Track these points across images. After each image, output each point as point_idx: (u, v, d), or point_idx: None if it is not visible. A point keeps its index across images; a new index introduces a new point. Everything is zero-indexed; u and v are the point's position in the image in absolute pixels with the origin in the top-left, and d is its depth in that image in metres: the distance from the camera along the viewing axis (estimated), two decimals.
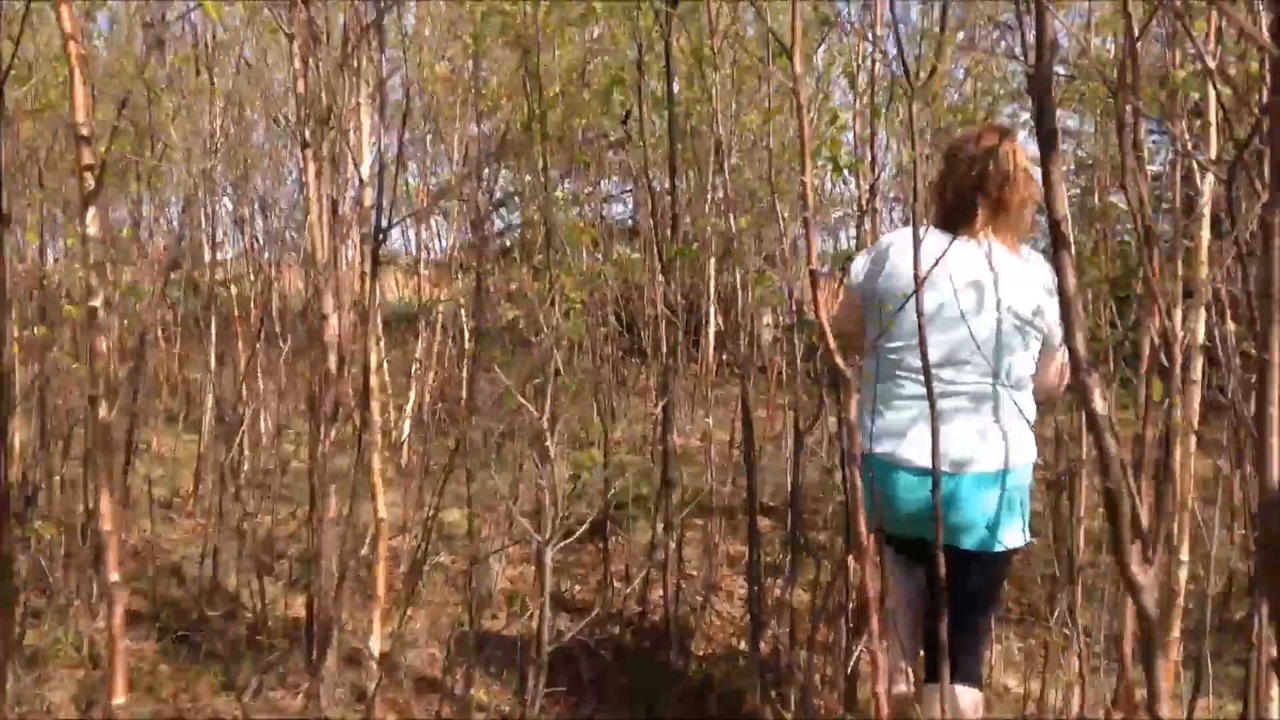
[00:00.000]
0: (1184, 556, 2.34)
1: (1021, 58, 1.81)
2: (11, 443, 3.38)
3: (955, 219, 2.51)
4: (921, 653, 2.62)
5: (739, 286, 3.39)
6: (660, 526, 3.50)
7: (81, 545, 3.73)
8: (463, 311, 5.96)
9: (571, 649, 3.19)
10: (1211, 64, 1.55)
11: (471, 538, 3.50)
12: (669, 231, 3.41)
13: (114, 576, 1.84)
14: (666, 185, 3.50)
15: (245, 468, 4.72)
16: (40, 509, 3.76)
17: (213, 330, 5.41)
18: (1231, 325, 2.26)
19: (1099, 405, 1.05)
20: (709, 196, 4.34)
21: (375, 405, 3.10)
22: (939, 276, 2.37)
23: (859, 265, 2.62)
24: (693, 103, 3.96)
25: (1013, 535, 2.46)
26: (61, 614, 3.58)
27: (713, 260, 5.01)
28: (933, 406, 2.14)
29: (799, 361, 3.43)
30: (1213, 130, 2.15)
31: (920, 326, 2.17)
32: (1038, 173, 2.58)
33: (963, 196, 2.51)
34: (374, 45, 3.33)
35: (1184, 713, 2.58)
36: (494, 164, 4.39)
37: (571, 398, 3.49)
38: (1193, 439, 2.26)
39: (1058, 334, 2.52)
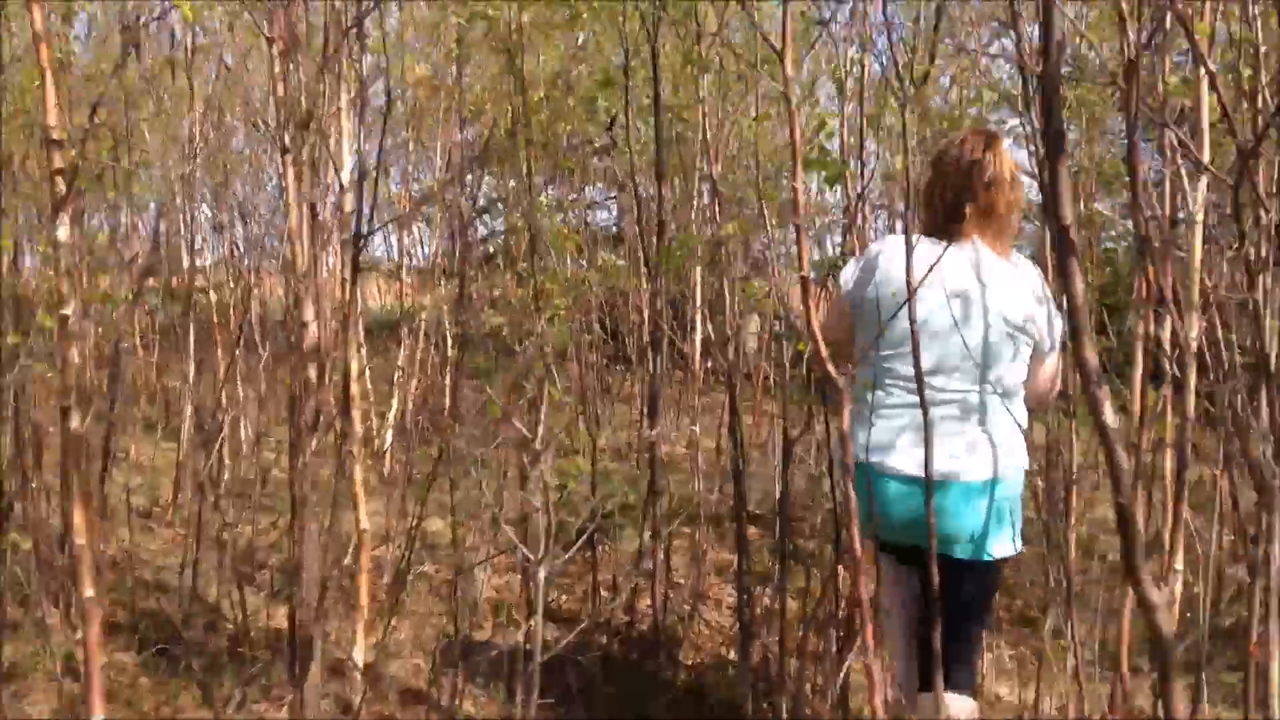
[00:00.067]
0: (1179, 566, 2.33)
1: (1020, 59, 1.80)
2: None
3: (943, 225, 2.50)
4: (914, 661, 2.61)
5: (726, 293, 3.36)
6: (648, 535, 3.47)
7: (60, 556, 3.66)
8: (445, 318, 5.92)
9: (559, 659, 3.15)
10: (1213, 68, 1.53)
11: (456, 547, 3.45)
12: (655, 238, 3.38)
13: (89, 592, 1.80)
14: (652, 191, 3.48)
15: (225, 477, 4.66)
16: (17, 519, 3.68)
17: (191, 337, 5.35)
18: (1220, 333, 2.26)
19: (1110, 418, 1.03)
20: (695, 203, 4.33)
21: (356, 414, 3.06)
22: (928, 284, 2.36)
23: (849, 273, 2.60)
24: (680, 108, 3.94)
25: (1003, 544, 2.45)
26: (40, 626, 3.51)
27: (699, 268, 4.99)
28: (925, 414, 2.13)
29: (788, 368, 3.41)
30: (1205, 136, 2.14)
31: (913, 334, 2.16)
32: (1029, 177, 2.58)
33: (950, 201, 2.50)
34: (355, 49, 3.29)
35: None
36: (477, 170, 4.35)
37: (557, 406, 3.45)
38: (1189, 446, 2.24)
39: (1048, 340, 2.51)
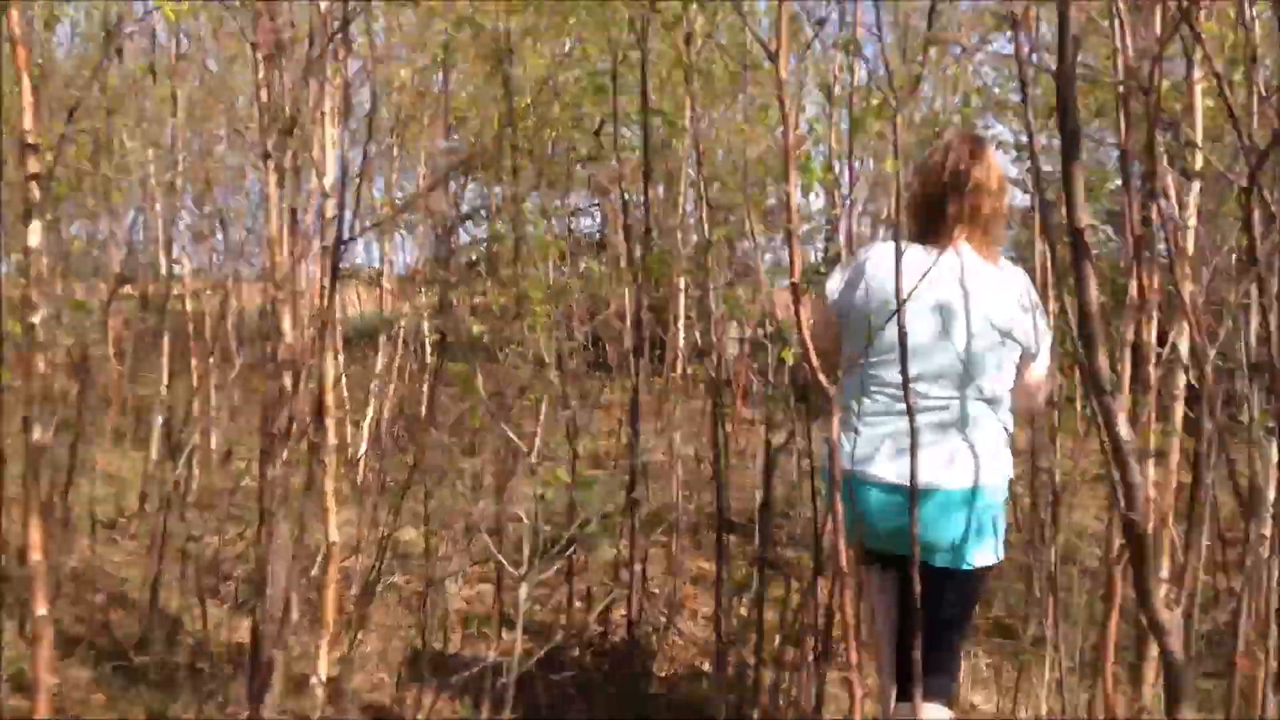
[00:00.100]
0: (1163, 574, 2.28)
1: (1020, 58, 1.76)
2: None
3: (930, 231, 2.48)
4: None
5: (711, 300, 3.32)
6: (625, 545, 3.41)
7: (18, 567, 3.57)
8: (425, 326, 5.85)
9: (529, 673, 3.08)
10: (1219, 69, 1.49)
11: (428, 557, 3.38)
12: (640, 244, 3.34)
13: (41, 610, 1.74)
14: (639, 197, 3.43)
15: (194, 487, 4.57)
16: None
17: (165, 345, 5.26)
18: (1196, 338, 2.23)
19: (1124, 431, 0.97)
20: (680, 209, 4.29)
21: (331, 423, 2.99)
22: (915, 291, 2.33)
23: (835, 281, 2.58)
24: (667, 114, 3.90)
25: (984, 554, 2.43)
26: None
27: (682, 277, 4.96)
28: (912, 422, 2.10)
29: (771, 376, 3.36)
30: (1198, 140, 2.11)
31: (902, 342, 2.13)
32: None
33: (936, 207, 2.48)
34: (340, 55, 3.25)
35: None
36: (462, 176, 4.30)
37: (538, 415, 3.40)
38: (1174, 455, 2.20)
39: (1036, 346, 2.48)
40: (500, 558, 2.47)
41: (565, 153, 4.72)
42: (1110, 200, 3.68)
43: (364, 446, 5.80)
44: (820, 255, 3.52)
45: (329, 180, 3.20)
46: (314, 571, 3.43)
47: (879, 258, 2.45)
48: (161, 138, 5.16)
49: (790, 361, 2.97)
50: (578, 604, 3.79)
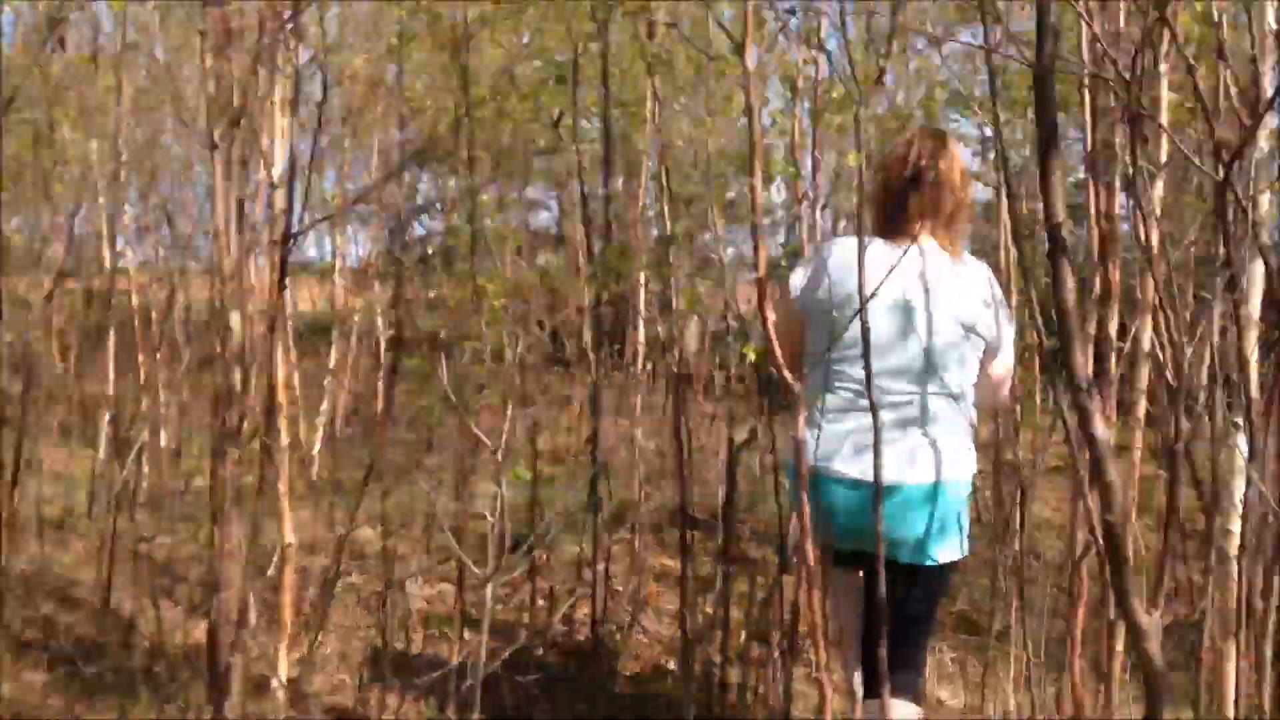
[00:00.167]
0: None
1: (988, 51, 1.75)
2: None
3: (892, 225, 2.48)
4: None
5: (672, 294, 3.29)
6: (588, 543, 3.38)
7: None
8: (380, 320, 5.76)
9: (494, 672, 3.04)
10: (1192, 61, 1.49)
11: (386, 557, 3.32)
12: (603, 237, 3.30)
13: None
14: (599, 190, 3.39)
15: (144, 485, 4.46)
16: None
17: (110, 341, 5.13)
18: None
19: (1100, 430, 0.96)
20: (640, 201, 4.25)
21: (283, 422, 2.92)
22: (878, 286, 2.32)
23: (798, 277, 2.56)
24: (629, 105, 3.86)
25: (949, 550, 2.43)
26: None
27: (642, 271, 4.92)
28: (875, 418, 2.09)
29: (733, 371, 3.34)
30: (1163, 135, 2.11)
31: (865, 338, 2.11)
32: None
33: (898, 201, 2.47)
34: (291, 43, 3.17)
35: None
36: (416, 168, 4.23)
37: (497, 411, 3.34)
38: (1137, 450, 2.22)
39: (999, 340, 2.49)
40: (464, 557, 2.42)
41: (523, 144, 4.67)
42: (1069, 193, 3.71)
43: (318, 445, 5.71)
44: (780, 249, 3.51)
45: (278, 171, 3.13)
46: (270, 572, 3.36)
47: (841, 253, 2.44)
48: (105, 128, 5.02)
49: (752, 358, 2.95)
50: (541, 603, 3.75)
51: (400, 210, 4.00)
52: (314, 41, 3.31)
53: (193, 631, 3.57)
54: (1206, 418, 1.87)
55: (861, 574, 2.39)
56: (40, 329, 5.39)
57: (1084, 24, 1.68)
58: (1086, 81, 2.11)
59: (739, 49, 1.83)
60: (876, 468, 2.12)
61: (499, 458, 2.34)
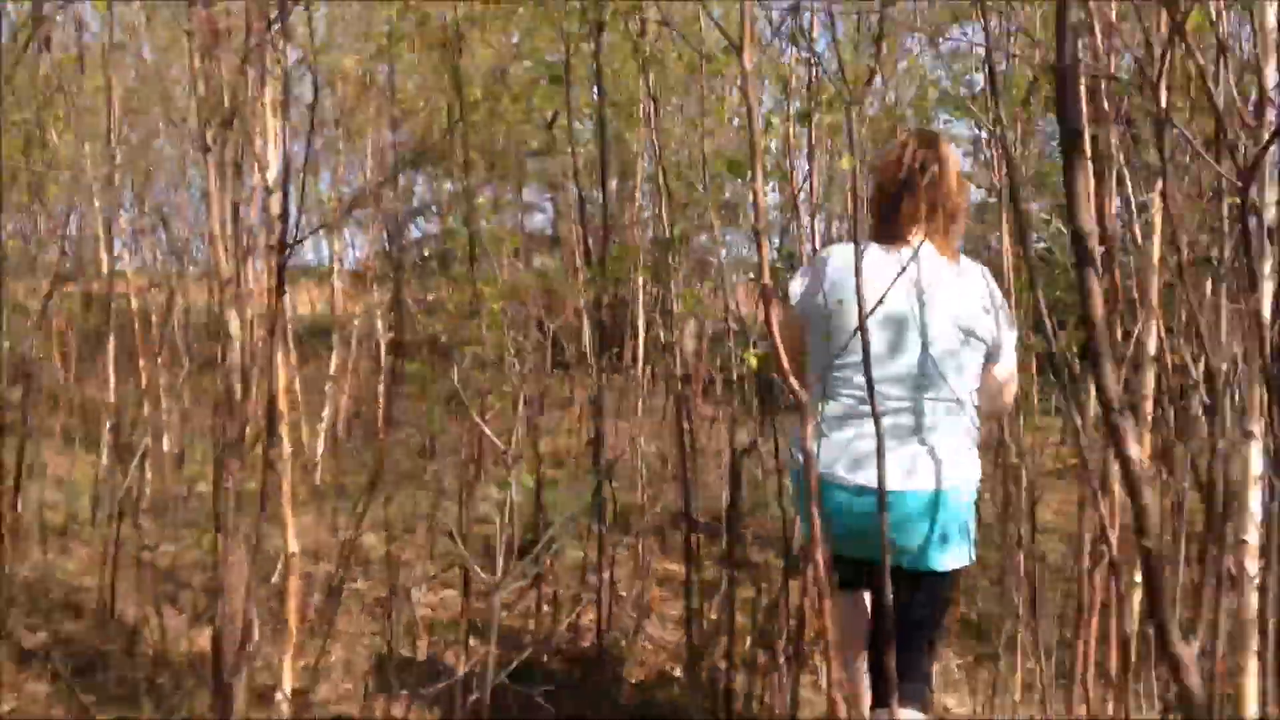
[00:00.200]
0: (1138, 578, 2.28)
1: (989, 49, 1.73)
2: None
3: (889, 229, 2.46)
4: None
5: (672, 296, 3.27)
6: (591, 548, 3.36)
7: None
8: (379, 324, 5.74)
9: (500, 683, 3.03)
10: (1201, 61, 1.47)
11: (390, 563, 3.31)
12: (600, 240, 3.27)
13: None
14: (594, 192, 3.37)
15: (147, 491, 4.45)
16: None
17: (110, 346, 5.11)
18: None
19: (1134, 451, 0.93)
20: (635, 203, 4.23)
21: (285, 429, 2.90)
22: (877, 290, 2.30)
23: (797, 284, 2.55)
24: (623, 106, 3.83)
25: (955, 556, 2.41)
26: None
27: (641, 273, 4.90)
28: (877, 424, 2.07)
29: (735, 374, 3.32)
30: (1166, 137, 2.09)
31: (864, 345, 2.10)
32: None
33: (893, 205, 2.45)
34: (280, 43, 3.14)
35: None
36: (411, 171, 4.21)
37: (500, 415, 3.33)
38: (1145, 452, 2.19)
39: (999, 345, 2.47)
40: (471, 564, 2.40)
41: (516, 146, 4.64)
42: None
43: (320, 450, 5.69)
44: (774, 252, 3.49)
45: (271, 174, 3.10)
46: (275, 579, 3.35)
47: (840, 259, 2.42)
48: (96, 130, 4.99)
49: (752, 363, 2.93)
50: (545, 609, 3.74)
51: (397, 213, 3.97)
52: (302, 42, 3.28)
53: (197, 640, 3.55)
54: (1218, 423, 1.84)
55: (864, 578, 2.38)
56: (39, 333, 5.38)
57: (1094, 23, 1.66)
58: (1085, 82, 2.08)
59: (737, 49, 1.80)
60: (880, 474, 2.10)
61: (510, 460, 2.33)
